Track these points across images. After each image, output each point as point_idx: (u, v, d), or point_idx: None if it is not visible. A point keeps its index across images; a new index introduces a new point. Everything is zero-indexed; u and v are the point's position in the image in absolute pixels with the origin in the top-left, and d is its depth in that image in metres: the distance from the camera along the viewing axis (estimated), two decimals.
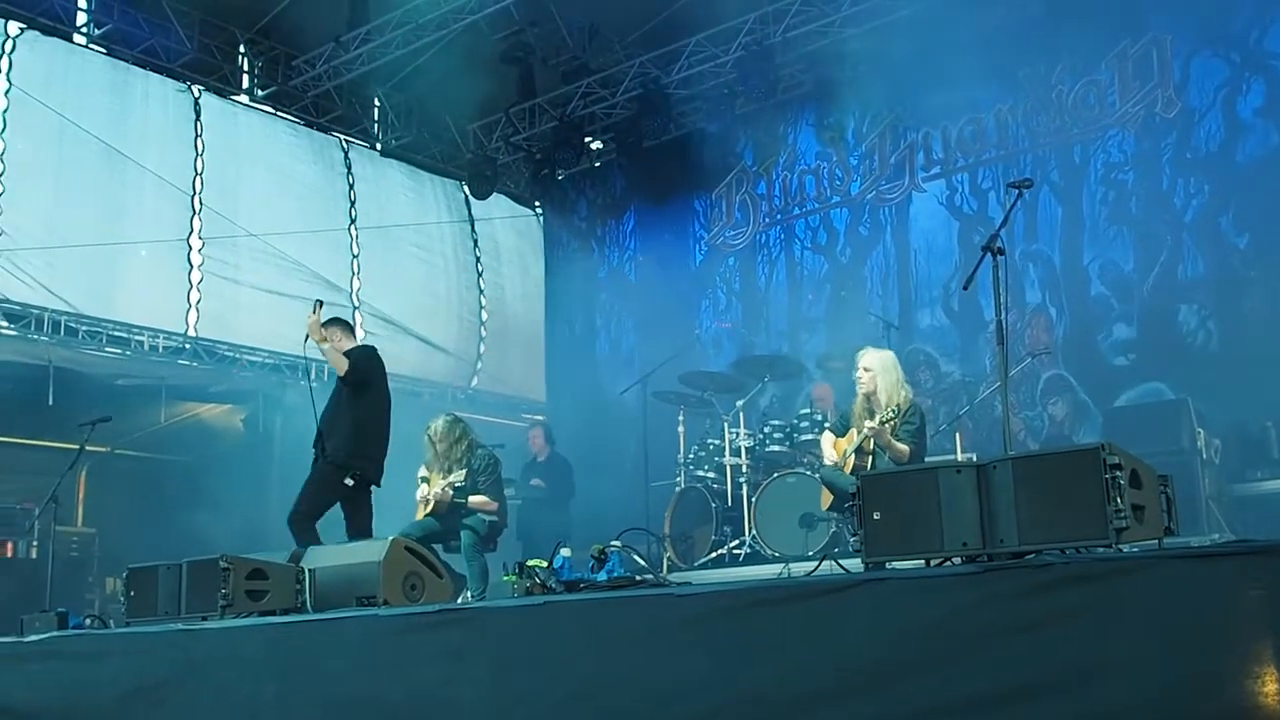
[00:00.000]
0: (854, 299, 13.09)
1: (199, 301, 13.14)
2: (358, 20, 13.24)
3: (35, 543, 10.91)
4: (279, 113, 14.68)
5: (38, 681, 6.58)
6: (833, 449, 8.16)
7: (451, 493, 8.73)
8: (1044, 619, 3.37)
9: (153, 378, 12.84)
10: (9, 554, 10.93)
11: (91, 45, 13.08)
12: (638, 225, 15.78)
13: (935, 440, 9.55)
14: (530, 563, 5.70)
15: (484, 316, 16.18)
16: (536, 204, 17.24)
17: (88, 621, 7.88)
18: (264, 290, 13.59)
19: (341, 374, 8.32)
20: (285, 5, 13.58)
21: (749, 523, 9.76)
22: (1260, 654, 3.03)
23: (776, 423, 10.68)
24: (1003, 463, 3.87)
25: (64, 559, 10.83)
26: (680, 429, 11.30)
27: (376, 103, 15.48)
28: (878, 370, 7.80)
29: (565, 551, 5.89)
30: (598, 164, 16.12)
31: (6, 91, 11.98)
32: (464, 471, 8.77)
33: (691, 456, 11.00)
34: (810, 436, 10.15)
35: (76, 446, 8.90)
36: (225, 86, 14.11)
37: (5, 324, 11.88)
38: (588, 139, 15.24)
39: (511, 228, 16.95)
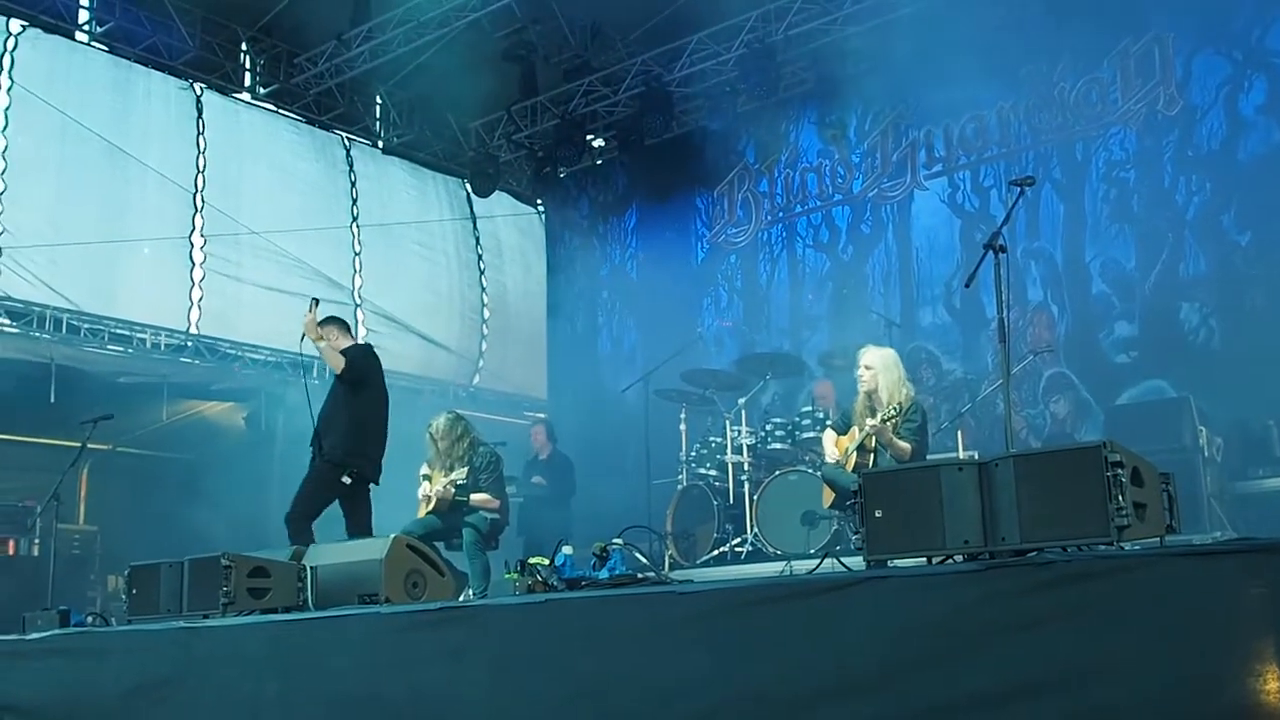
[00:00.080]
0: (856, 297, 13.09)
1: (201, 299, 13.15)
2: (360, 18, 13.24)
3: (37, 540, 10.92)
4: (281, 110, 14.67)
5: (40, 679, 6.58)
6: (834, 447, 8.15)
7: (453, 490, 8.73)
8: (1046, 617, 3.37)
9: (154, 375, 12.84)
10: (11, 552, 10.93)
11: (93, 43, 13.08)
12: (639, 223, 15.78)
13: (937, 438, 9.55)
14: (532, 560, 5.70)
15: (486, 314, 16.17)
16: (538, 201, 17.23)
17: (90, 619, 7.89)
18: (266, 288, 13.59)
19: (338, 372, 8.32)
20: (287, 3, 13.57)
21: (751, 520, 9.76)
22: (1262, 652, 3.03)
23: (778, 420, 10.68)
24: (1004, 460, 3.86)
25: (66, 557, 10.84)
26: (682, 427, 11.31)
27: (378, 100, 15.47)
28: (879, 368, 7.79)
29: (567, 549, 5.89)
30: (600, 162, 16.12)
31: (9, 89, 11.99)
32: (466, 469, 8.77)
33: (693, 454, 11.01)
34: (812, 434, 10.15)
35: (78, 444, 8.90)
36: (227, 84, 14.11)
37: (7, 321, 11.89)
38: (590, 137, 15.25)
39: (513, 225, 16.94)
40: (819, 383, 11.59)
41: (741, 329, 14.38)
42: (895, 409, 7.50)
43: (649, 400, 11.58)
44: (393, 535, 6.67)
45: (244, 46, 14.34)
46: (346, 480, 8.14)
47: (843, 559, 5.11)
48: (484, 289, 16.25)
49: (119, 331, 12.67)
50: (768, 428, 10.63)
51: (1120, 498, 3.56)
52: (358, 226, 14.92)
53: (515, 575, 5.76)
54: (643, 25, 13.82)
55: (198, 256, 13.18)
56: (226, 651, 5.67)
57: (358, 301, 14.55)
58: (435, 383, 15.19)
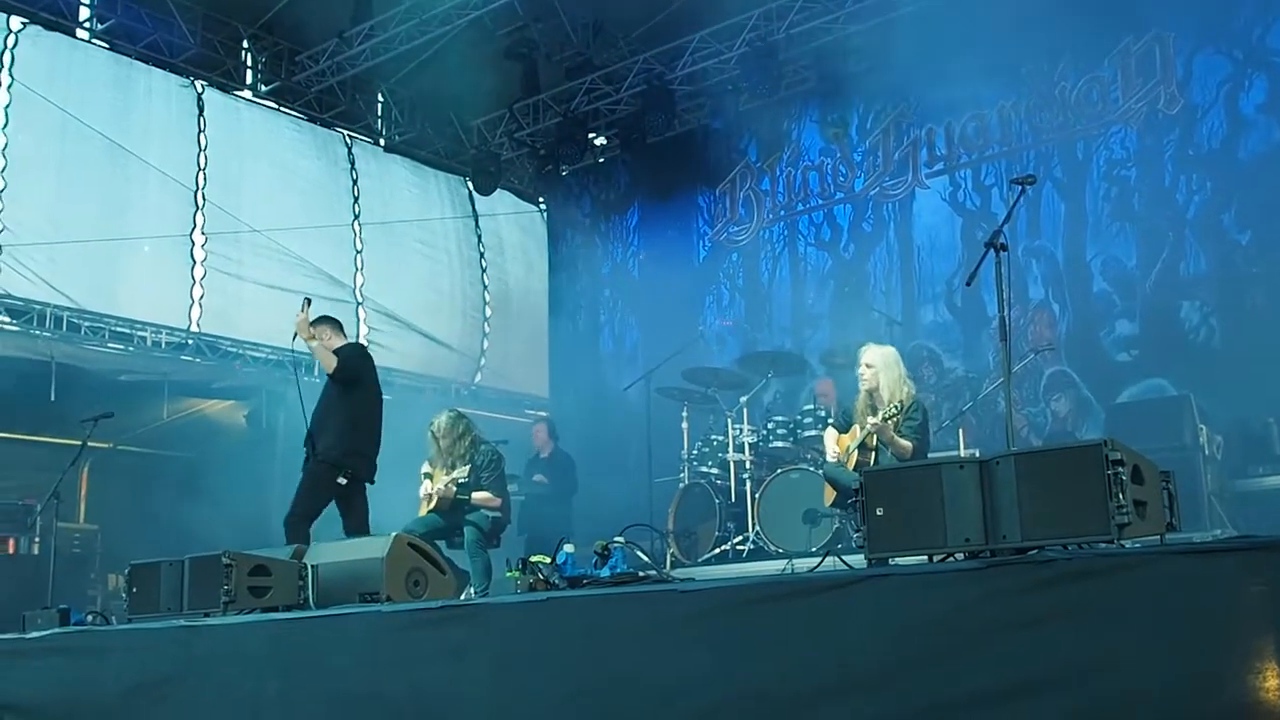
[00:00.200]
0: (857, 295, 13.07)
1: (202, 297, 13.16)
2: (361, 15, 13.24)
3: (37, 539, 10.91)
4: (282, 108, 14.68)
5: (40, 678, 6.58)
6: (836, 445, 8.16)
7: (455, 489, 8.74)
8: (1046, 615, 3.37)
9: (155, 373, 12.85)
10: (11, 550, 10.92)
11: (94, 40, 13.10)
12: (641, 221, 15.77)
13: (938, 436, 9.55)
14: (534, 559, 5.71)
15: (488, 312, 16.18)
16: (540, 200, 17.24)
17: (90, 618, 7.89)
18: (267, 286, 13.60)
19: (330, 371, 8.31)
20: (289, 0, 13.57)
21: (752, 519, 9.75)
22: (1262, 650, 3.03)
23: (780, 419, 10.69)
24: (1005, 459, 3.86)
25: (66, 555, 10.84)
26: (684, 425, 11.31)
27: (380, 98, 15.47)
28: (880, 366, 7.80)
29: (569, 547, 5.90)
30: (602, 160, 16.12)
31: (9, 86, 12.00)
32: (467, 467, 8.77)
33: (695, 452, 11.01)
34: (813, 432, 10.17)
35: (79, 442, 8.89)
36: (228, 82, 14.12)
37: (7, 319, 11.90)
38: (592, 135, 15.26)
39: (515, 223, 16.95)
40: (820, 381, 11.59)
41: (743, 327, 14.37)
42: (896, 407, 7.51)
43: (651, 398, 11.59)
44: (394, 533, 6.66)
45: (245, 44, 14.34)
46: (342, 481, 8.13)
47: (844, 557, 5.11)
48: (486, 287, 16.26)
49: (119, 329, 12.68)
50: (769, 426, 10.64)
51: (1121, 496, 3.56)
52: (359, 224, 14.93)
53: (517, 573, 5.76)
54: (645, 23, 13.82)
55: (199, 254, 13.19)
56: (227, 650, 5.66)
57: (359, 300, 14.56)
58: (437, 381, 15.21)
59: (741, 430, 10.56)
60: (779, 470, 9.83)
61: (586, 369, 15.63)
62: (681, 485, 10.89)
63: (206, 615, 6.06)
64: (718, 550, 10.10)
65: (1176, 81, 11.18)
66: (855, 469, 7.65)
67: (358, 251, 14.80)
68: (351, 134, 15.25)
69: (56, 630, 6.98)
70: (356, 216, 14.93)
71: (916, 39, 11.38)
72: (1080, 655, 3.27)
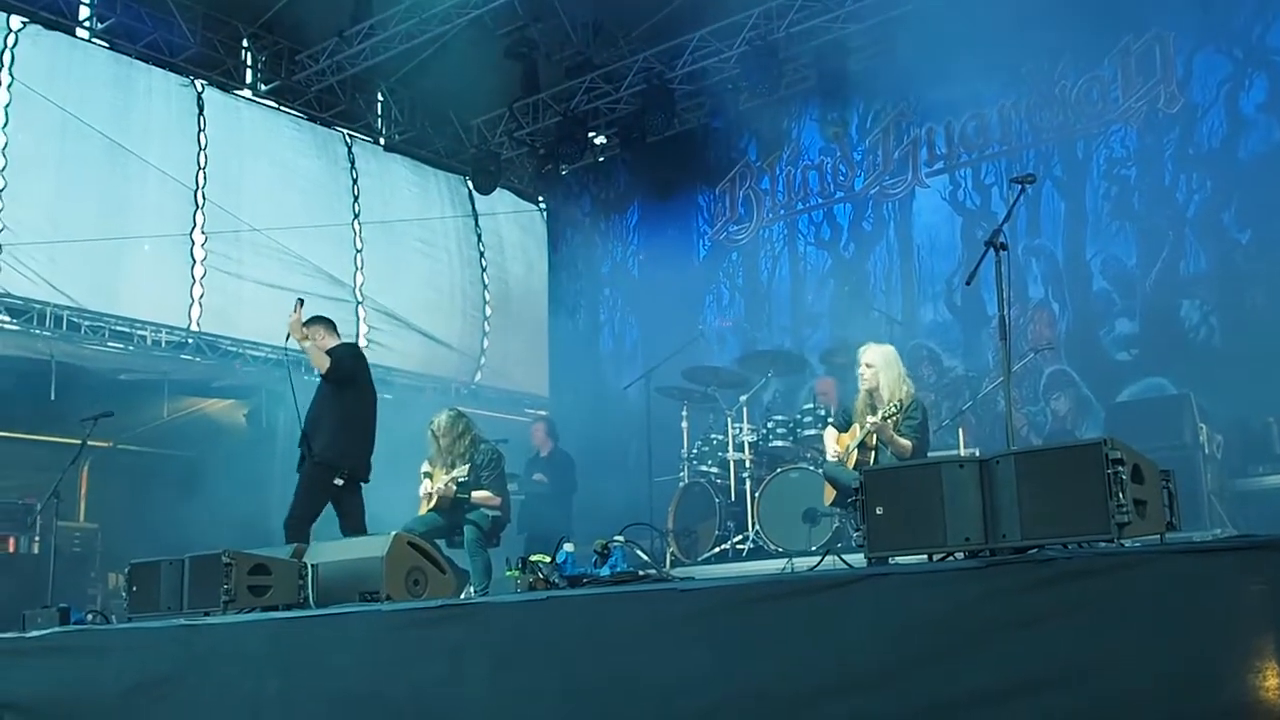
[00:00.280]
0: (857, 294, 13.07)
1: (202, 296, 13.15)
2: (361, 15, 13.22)
3: (37, 538, 10.92)
4: (282, 107, 14.67)
5: (40, 677, 6.58)
6: (836, 444, 8.16)
7: (455, 488, 8.74)
8: (1046, 614, 3.37)
9: (155, 373, 12.83)
10: (11, 549, 10.93)
11: (94, 39, 13.09)
12: (641, 220, 15.77)
13: (938, 435, 9.55)
14: (533, 558, 5.71)
15: (487, 311, 16.17)
16: (540, 199, 17.23)
17: (90, 617, 7.90)
18: (267, 285, 13.58)
19: (323, 372, 8.31)
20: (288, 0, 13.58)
21: (752, 518, 9.75)
22: (1262, 649, 3.03)
23: (780, 418, 10.69)
24: (1005, 458, 3.86)
25: (66, 554, 10.84)
26: (684, 424, 11.32)
27: (380, 97, 15.46)
28: (879, 366, 7.80)
29: (568, 546, 5.91)
30: (601, 159, 16.12)
31: (9, 86, 11.99)
32: (467, 466, 8.78)
33: (695, 451, 11.02)
34: (813, 432, 10.17)
35: (79, 441, 8.89)
36: (228, 81, 14.11)
37: (7, 319, 11.89)
38: (591, 134, 15.25)
39: (515, 222, 16.94)
40: (820, 380, 11.58)
41: (743, 326, 14.37)
42: (896, 406, 7.51)
43: (650, 397, 11.59)
44: (394, 532, 6.67)
45: (245, 43, 14.33)
46: (338, 482, 8.14)
47: (844, 556, 5.11)
48: (486, 286, 16.25)
49: (119, 328, 12.67)
50: (769, 425, 10.65)
51: (1121, 495, 3.56)
52: (359, 223, 14.92)
53: (517, 573, 5.77)
54: (645, 22, 13.83)
55: (198, 253, 13.18)
56: (227, 649, 5.66)
57: (359, 299, 14.55)
58: (437, 380, 15.21)
59: (741, 429, 10.56)
60: (779, 469, 9.84)
61: (586, 368, 15.63)
62: (681, 484, 10.89)
63: (206, 614, 6.07)
64: (717, 549, 10.10)
65: (1176, 80, 11.17)
66: (855, 468, 7.65)
67: (358, 250, 14.79)
68: (351, 133, 15.24)
69: (56, 629, 6.99)
70: (356, 216, 14.92)
71: (916, 38, 11.41)
72: (1080, 654, 3.27)
